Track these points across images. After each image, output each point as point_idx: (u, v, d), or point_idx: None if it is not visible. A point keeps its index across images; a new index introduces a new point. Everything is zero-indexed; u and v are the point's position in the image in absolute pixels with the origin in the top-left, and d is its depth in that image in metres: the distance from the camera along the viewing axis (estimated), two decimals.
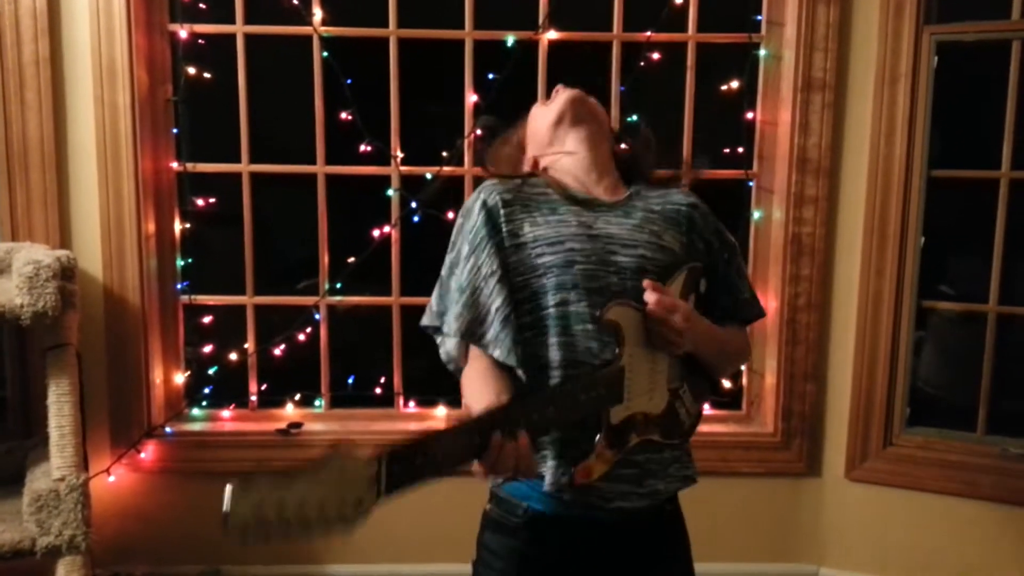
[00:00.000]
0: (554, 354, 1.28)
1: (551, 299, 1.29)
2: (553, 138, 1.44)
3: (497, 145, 1.56)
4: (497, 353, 1.27)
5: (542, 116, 1.48)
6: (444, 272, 1.38)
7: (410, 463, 1.00)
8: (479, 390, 1.27)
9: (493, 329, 1.28)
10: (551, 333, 1.28)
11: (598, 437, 1.23)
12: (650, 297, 1.25)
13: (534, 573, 1.34)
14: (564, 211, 1.34)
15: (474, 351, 1.32)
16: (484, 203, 1.34)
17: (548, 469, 1.28)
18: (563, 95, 1.45)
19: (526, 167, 1.49)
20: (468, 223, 1.34)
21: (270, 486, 0.89)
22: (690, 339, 1.29)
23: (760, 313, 1.48)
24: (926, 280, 2.46)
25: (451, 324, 1.32)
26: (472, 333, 1.30)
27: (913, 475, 2.44)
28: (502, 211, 1.33)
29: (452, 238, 1.38)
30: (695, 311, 1.33)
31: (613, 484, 1.28)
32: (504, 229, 1.32)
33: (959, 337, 2.60)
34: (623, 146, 1.53)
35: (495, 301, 1.29)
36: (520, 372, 1.27)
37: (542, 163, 1.46)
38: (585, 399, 1.21)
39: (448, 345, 1.37)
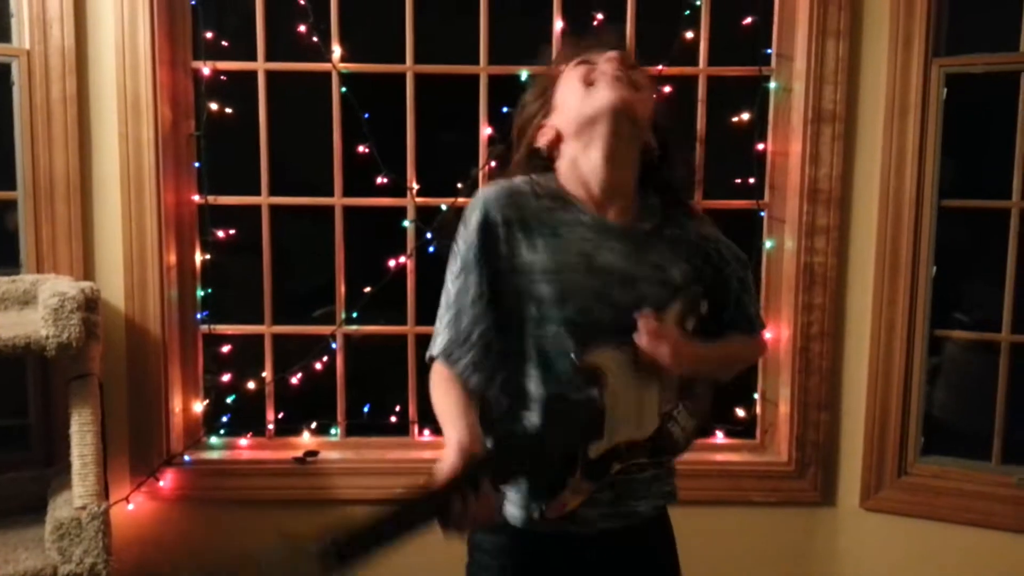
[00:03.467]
0: (535, 387, 1.28)
1: (539, 331, 1.27)
2: (581, 133, 1.30)
3: (527, 102, 1.41)
4: (472, 381, 1.27)
5: (577, 98, 1.30)
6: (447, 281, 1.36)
7: (359, 545, 1.04)
8: (451, 412, 1.23)
9: (471, 355, 1.27)
10: (533, 364, 1.28)
11: (576, 474, 1.21)
12: (640, 336, 1.23)
13: (530, 568, 1.34)
14: (567, 234, 1.29)
15: (452, 371, 1.29)
16: (484, 217, 1.28)
17: (515, 503, 1.29)
18: (606, 94, 1.27)
19: (545, 136, 1.36)
20: (466, 233, 1.30)
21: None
22: (683, 366, 1.28)
23: (761, 325, 1.48)
24: (941, 309, 2.46)
25: (435, 346, 1.31)
26: (450, 355, 1.28)
27: (928, 504, 2.43)
28: (501, 231, 1.28)
29: (455, 239, 1.33)
30: (688, 336, 1.32)
31: (589, 508, 1.27)
32: (502, 250, 1.28)
33: (973, 365, 2.60)
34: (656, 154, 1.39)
35: (479, 327, 1.27)
36: (495, 400, 1.29)
37: (564, 151, 1.34)
38: (560, 444, 1.21)
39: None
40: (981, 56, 2.36)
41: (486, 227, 1.28)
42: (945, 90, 2.36)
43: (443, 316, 1.31)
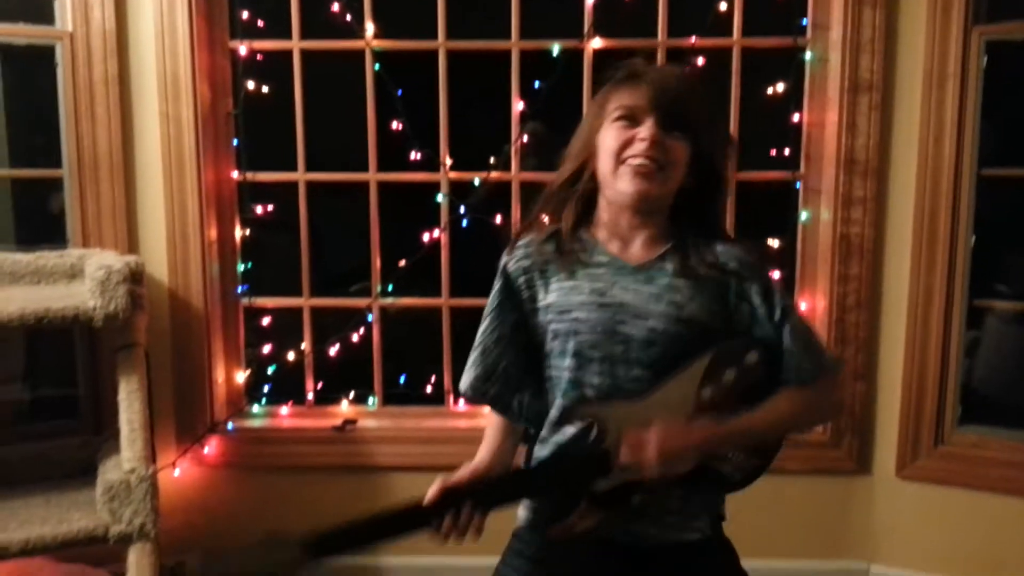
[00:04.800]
0: (555, 414, 1.36)
1: (557, 363, 1.35)
2: (611, 172, 1.32)
3: (574, 140, 1.41)
4: (496, 409, 1.43)
5: (608, 163, 1.32)
6: None
7: (338, 542, 1.22)
8: (485, 436, 1.46)
9: (496, 388, 1.40)
10: (556, 395, 1.36)
11: (581, 504, 1.27)
12: (623, 451, 1.23)
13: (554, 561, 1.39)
14: (581, 275, 1.33)
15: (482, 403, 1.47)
16: (505, 269, 1.40)
17: (520, 519, 1.42)
18: (627, 186, 1.29)
19: (588, 168, 1.37)
20: (495, 283, 1.42)
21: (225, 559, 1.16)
22: (686, 461, 1.24)
23: (822, 371, 1.32)
24: (981, 279, 2.44)
25: (463, 381, 1.44)
26: (476, 388, 1.42)
27: (965, 473, 2.42)
28: (522, 279, 1.38)
29: None
30: (686, 423, 1.25)
31: (606, 527, 1.29)
32: (524, 295, 1.38)
33: (1014, 337, 2.56)
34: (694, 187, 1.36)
35: (502, 362, 1.39)
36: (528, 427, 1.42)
37: (603, 188, 1.36)
38: (554, 482, 1.32)
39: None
40: (1022, 23, 2.30)
41: (507, 278, 1.40)
42: (985, 58, 2.32)
43: (472, 354, 1.44)
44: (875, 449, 2.51)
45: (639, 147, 1.28)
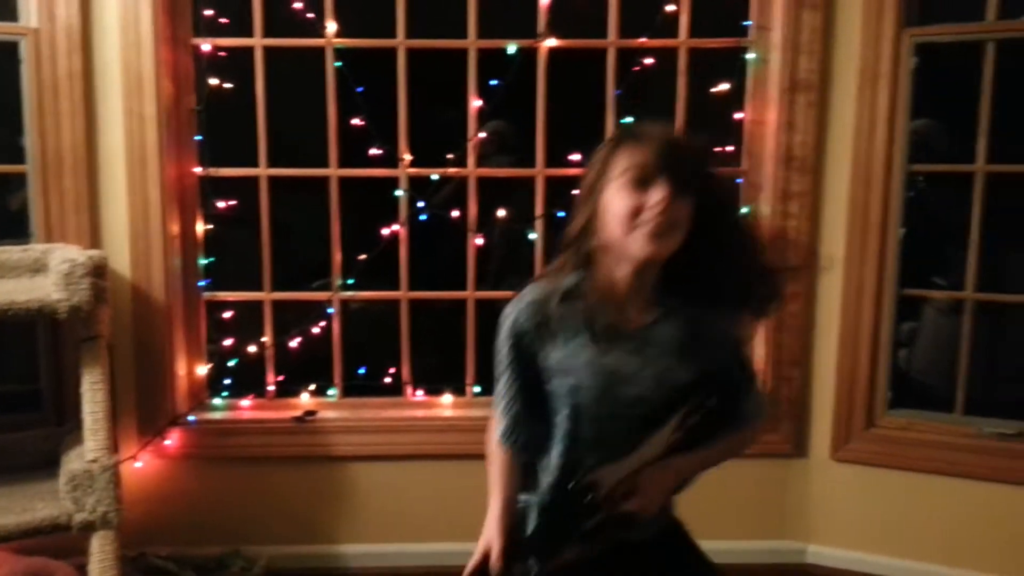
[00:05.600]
0: (555, 459, 1.45)
1: (558, 413, 1.43)
2: (614, 251, 1.37)
3: (584, 195, 1.42)
4: (520, 451, 1.48)
5: (618, 225, 1.34)
6: None
7: None
8: (495, 484, 1.52)
9: (522, 435, 1.47)
10: (556, 441, 1.44)
11: (572, 548, 1.42)
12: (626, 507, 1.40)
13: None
14: (582, 338, 1.40)
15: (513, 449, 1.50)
16: (513, 327, 1.43)
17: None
18: (641, 247, 1.32)
19: (593, 234, 1.40)
20: (502, 338, 1.45)
21: None
22: (661, 499, 1.45)
23: (763, 414, 1.53)
24: (921, 273, 2.57)
25: (498, 429, 1.50)
26: (508, 435, 1.48)
27: (895, 455, 2.55)
28: (529, 336, 1.42)
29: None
30: (663, 466, 1.41)
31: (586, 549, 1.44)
32: (535, 350, 1.43)
33: (946, 328, 2.70)
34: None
35: (522, 409, 1.46)
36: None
37: (603, 248, 1.40)
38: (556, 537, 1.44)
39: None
40: (950, 26, 2.44)
41: (516, 335, 1.44)
42: (915, 59, 2.45)
43: (498, 404, 1.50)
44: (811, 433, 2.64)
45: (654, 210, 1.30)
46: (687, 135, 1.51)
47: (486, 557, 1.46)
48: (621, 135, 1.43)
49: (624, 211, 1.32)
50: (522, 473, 1.51)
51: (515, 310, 1.44)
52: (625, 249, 1.34)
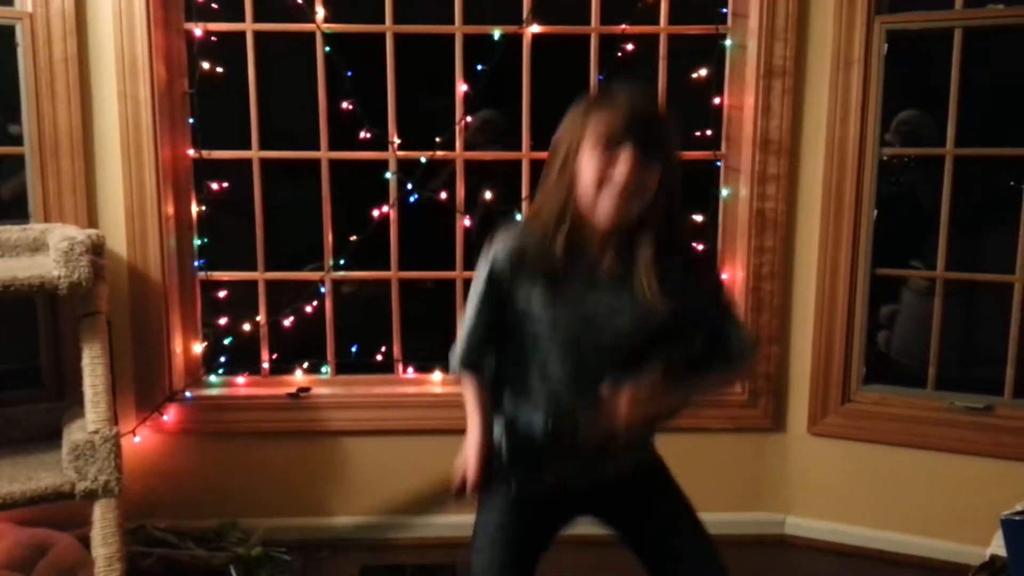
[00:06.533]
0: (536, 385, 1.50)
1: (538, 346, 1.49)
2: (591, 197, 1.42)
3: (559, 154, 1.48)
4: (477, 375, 1.56)
5: (589, 187, 1.41)
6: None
7: None
8: (469, 411, 1.58)
9: (479, 359, 1.55)
10: (535, 370, 1.50)
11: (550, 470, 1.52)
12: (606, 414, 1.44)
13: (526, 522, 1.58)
14: (558, 285, 1.46)
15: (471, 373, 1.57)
16: (492, 263, 1.49)
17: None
18: (607, 210, 1.40)
19: (565, 191, 1.46)
20: (480, 270, 1.52)
21: None
22: (642, 418, 1.45)
23: (751, 350, 1.60)
24: (899, 256, 2.66)
25: (456, 356, 1.57)
26: (466, 360, 1.56)
27: (869, 429, 2.65)
28: (506, 276, 1.48)
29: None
30: (663, 384, 1.45)
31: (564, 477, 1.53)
32: (507, 288, 1.48)
33: (927, 308, 2.78)
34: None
35: (483, 336, 1.53)
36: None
37: (581, 208, 1.45)
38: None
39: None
40: (919, 13, 2.53)
41: (491, 271, 1.50)
42: (886, 46, 2.54)
43: (461, 328, 1.57)
44: (788, 408, 2.73)
45: (618, 175, 1.38)
46: (655, 98, 1.55)
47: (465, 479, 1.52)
48: (593, 99, 1.48)
49: (593, 175, 1.40)
50: (493, 400, 1.57)
51: (497, 247, 1.51)
52: (594, 210, 1.42)
